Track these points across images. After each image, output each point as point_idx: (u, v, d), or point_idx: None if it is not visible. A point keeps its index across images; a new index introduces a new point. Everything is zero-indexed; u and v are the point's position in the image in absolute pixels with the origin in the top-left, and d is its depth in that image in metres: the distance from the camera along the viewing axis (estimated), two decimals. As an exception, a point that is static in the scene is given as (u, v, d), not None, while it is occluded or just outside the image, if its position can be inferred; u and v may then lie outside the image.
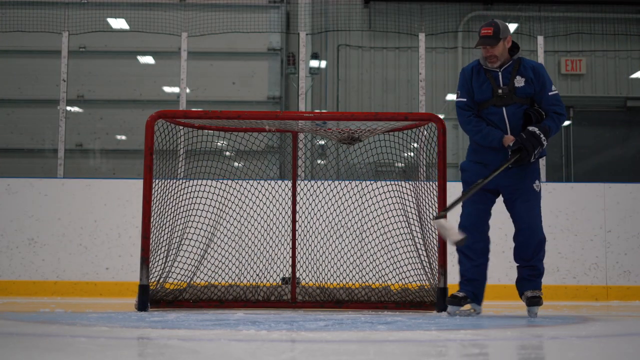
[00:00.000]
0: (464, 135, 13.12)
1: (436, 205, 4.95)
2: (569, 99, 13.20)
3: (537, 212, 4.54)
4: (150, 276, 4.90)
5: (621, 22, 12.96)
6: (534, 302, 4.45)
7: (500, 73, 4.58)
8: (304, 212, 5.55)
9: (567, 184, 7.64)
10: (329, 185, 5.67)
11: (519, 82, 4.54)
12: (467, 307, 4.63)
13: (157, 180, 5.01)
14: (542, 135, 4.40)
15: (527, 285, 4.49)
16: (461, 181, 4.73)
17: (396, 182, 5.48)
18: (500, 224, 6.79)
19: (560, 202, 6.84)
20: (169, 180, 5.23)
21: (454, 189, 6.65)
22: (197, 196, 5.44)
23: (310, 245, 5.52)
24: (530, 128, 4.42)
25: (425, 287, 5.14)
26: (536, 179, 4.55)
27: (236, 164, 5.69)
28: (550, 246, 6.75)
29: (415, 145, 5.38)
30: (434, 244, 4.99)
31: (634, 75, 13.09)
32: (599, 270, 6.75)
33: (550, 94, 4.54)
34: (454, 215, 4.65)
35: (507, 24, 4.66)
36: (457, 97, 4.71)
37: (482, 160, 4.60)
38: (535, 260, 4.50)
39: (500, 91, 4.54)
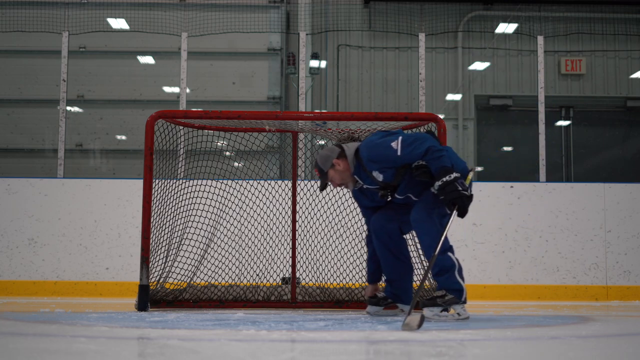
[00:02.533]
0: (464, 135, 13.21)
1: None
2: (569, 99, 13.23)
3: (427, 211, 4.14)
4: (151, 276, 4.90)
5: (621, 22, 12.97)
6: (426, 303, 4.08)
7: (364, 187, 4.38)
8: (304, 212, 5.55)
9: (567, 184, 7.64)
10: (329, 185, 5.66)
11: (378, 176, 4.24)
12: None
13: (157, 180, 5.01)
14: (445, 178, 4.00)
15: (438, 285, 4.13)
16: None
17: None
18: (500, 224, 6.84)
19: (560, 202, 6.85)
20: (169, 180, 5.22)
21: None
22: (197, 196, 5.44)
23: (310, 245, 5.52)
24: (435, 186, 4.05)
25: (425, 287, 5.13)
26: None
27: (236, 164, 5.69)
28: (550, 246, 6.79)
29: (415, 145, 5.36)
30: (434, 244, 4.98)
31: (634, 75, 13.10)
32: (599, 270, 6.76)
33: (399, 154, 4.11)
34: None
35: (329, 150, 4.34)
36: None
37: None
38: (429, 257, 4.08)
39: (381, 194, 4.31)
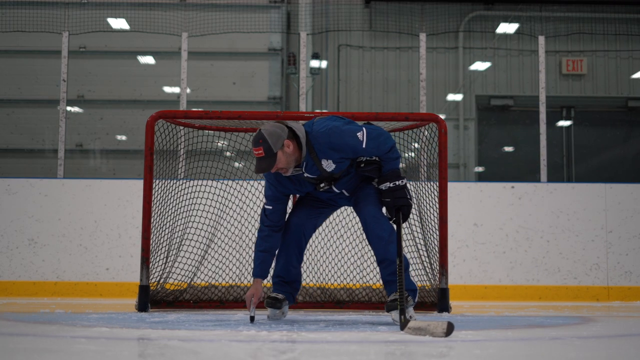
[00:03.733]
0: (465, 135, 13.20)
1: (437, 205, 4.93)
2: (570, 99, 13.23)
3: (378, 207, 4.00)
4: (151, 277, 4.89)
5: (622, 22, 12.97)
6: (392, 306, 3.85)
7: (304, 173, 3.96)
8: (304, 213, 5.53)
9: (568, 184, 7.63)
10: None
11: (329, 166, 3.90)
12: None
13: (157, 181, 5.00)
14: (397, 182, 3.90)
15: (389, 288, 3.92)
16: None
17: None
18: (501, 224, 6.82)
19: (561, 203, 6.84)
20: (169, 181, 5.22)
21: (454, 189, 6.66)
22: (198, 196, 5.43)
23: (310, 245, 5.51)
24: (383, 186, 3.91)
25: (426, 287, 5.12)
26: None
27: (236, 164, 5.67)
28: (551, 246, 6.78)
29: (416, 145, 5.37)
30: (434, 244, 4.98)
31: (635, 76, 13.09)
32: (600, 271, 6.75)
33: (363, 146, 3.84)
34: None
35: (278, 128, 3.77)
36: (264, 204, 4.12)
37: None
38: (388, 255, 3.91)
39: (322, 186, 4.00)
